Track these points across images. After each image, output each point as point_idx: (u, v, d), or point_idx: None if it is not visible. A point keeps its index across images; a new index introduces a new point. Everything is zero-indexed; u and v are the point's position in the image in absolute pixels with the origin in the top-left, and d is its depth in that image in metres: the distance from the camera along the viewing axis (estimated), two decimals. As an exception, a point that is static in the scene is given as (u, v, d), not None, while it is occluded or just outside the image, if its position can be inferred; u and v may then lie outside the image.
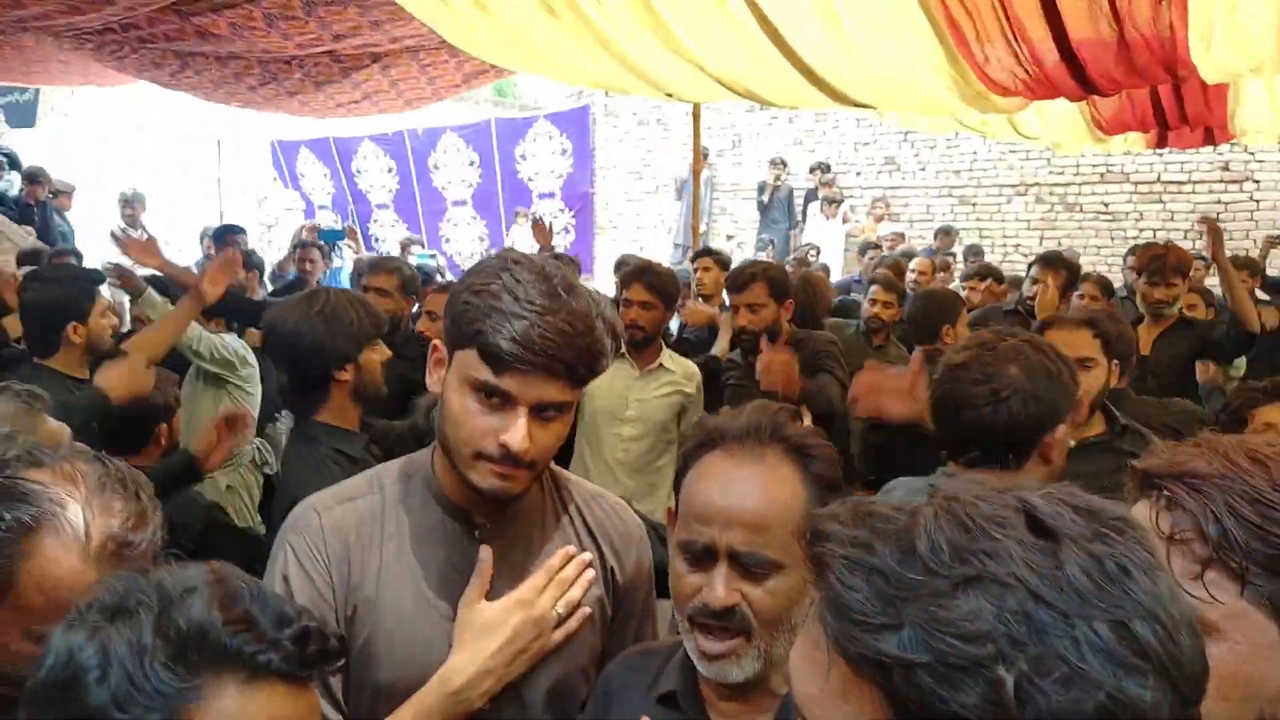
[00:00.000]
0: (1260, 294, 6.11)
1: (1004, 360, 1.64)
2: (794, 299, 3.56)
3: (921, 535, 0.60)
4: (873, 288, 4.67)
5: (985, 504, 0.62)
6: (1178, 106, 4.89)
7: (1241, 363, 4.34)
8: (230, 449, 2.61)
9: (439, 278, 7.06)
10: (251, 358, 4.00)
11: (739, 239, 12.48)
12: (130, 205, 8.47)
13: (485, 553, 1.29)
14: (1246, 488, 0.78)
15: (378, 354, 2.32)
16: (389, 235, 13.35)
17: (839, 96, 3.88)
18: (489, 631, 1.25)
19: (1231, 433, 2.46)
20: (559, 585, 1.30)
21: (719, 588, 1.12)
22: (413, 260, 7.80)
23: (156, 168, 11.79)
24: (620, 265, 5.61)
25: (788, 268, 6.09)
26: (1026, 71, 3.54)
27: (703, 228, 12.01)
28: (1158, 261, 3.90)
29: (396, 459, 1.44)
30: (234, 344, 3.96)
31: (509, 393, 1.20)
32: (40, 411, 1.92)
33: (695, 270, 5.26)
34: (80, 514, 1.08)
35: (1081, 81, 3.61)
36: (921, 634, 0.56)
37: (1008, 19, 3.28)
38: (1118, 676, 0.55)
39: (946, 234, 10.23)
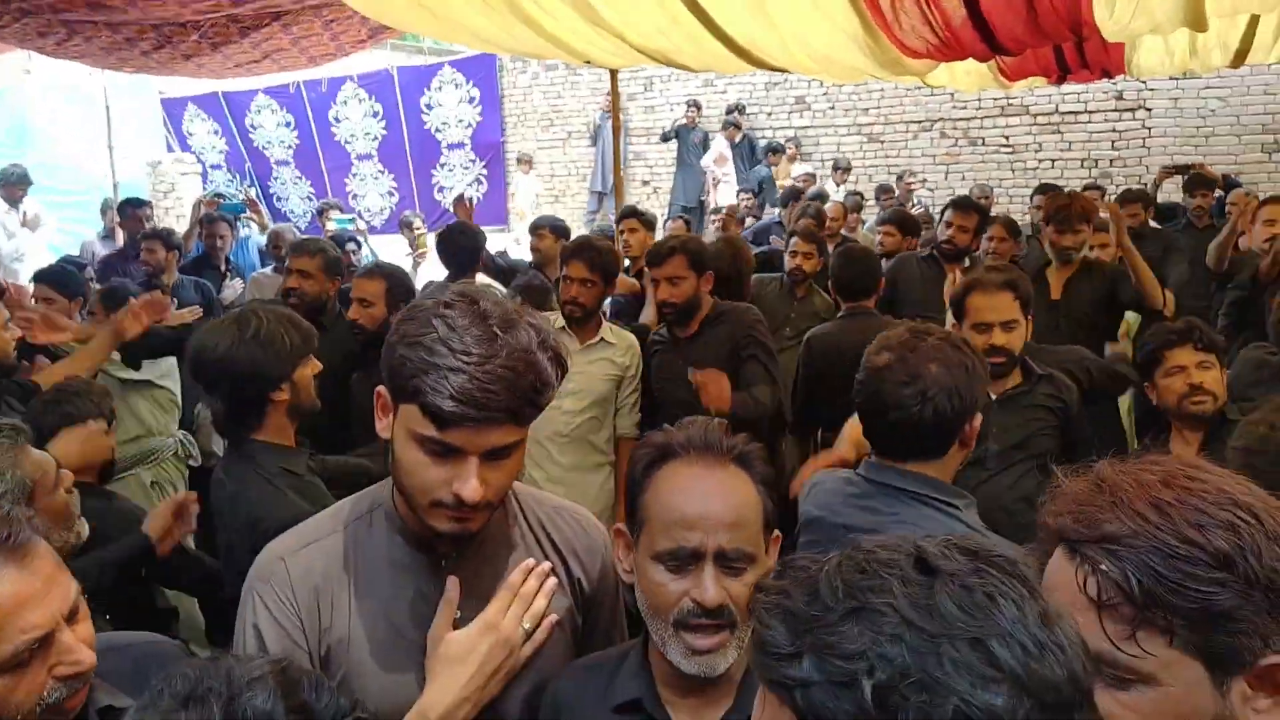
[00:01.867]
0: (1153, 223, 6.41)
1: (926, 360, 1.74)
2: (714, 269, 3.57)
3: (823, 579, 0.71)
4: (793, 240, 4.77)
5: (883, 550, 0.72)
6: (1079, 56, 5.07)
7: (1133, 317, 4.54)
8: (182, 535, 2.53)
9: (360, 241, 6.90)
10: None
11: (654, 184, 12.47)
12: (10, 187, 7.79)
13: (450, 583, 1.31)
14: (1157, 544, 0.85)
15: (310, 369, 2.30)
16: (291, 193, 12.91)
17: (758, 63, 3.92)
18: (460, 659, 1.27)
19: (1148, 373, 2.67)
20: (522, 601, 1.32)
21: (711, 587, 1.21)
22: (331, 226, 7.59)
23: (43, 131, 11.12)
24: (536, 228, 5.60)
25: (713, 222, 6.20)
26: (938, 35, 3.63)
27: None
28: (1063, 211, 4.08)
29: (355, 494, 1.44)
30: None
31: (457, 446, 1.20)
32: (24, 444, 1.91)
33: (621, 231, 5.30)
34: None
35: (990, 43, 3.72)
36: (815, 659, 0.67)
37: (919, -17, 3.35)
38: (973, 685, 0.64)
39: (845, 170, 10.43)
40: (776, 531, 1.33)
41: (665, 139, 11.78)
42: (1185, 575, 0.84)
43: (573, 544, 1.46)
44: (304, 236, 5.36)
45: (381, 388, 1.28)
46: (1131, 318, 4.49)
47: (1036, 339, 3.12)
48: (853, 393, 1.86)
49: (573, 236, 4.69)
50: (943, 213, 5.13)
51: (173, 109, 12.56)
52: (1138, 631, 0.86)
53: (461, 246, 4.37)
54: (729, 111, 11.36)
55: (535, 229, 5.49)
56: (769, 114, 11.77)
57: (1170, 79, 9.62)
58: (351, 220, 8.63)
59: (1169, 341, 2.69)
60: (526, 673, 1.35)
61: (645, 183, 12.43)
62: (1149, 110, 10.21)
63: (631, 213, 5.43)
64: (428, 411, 1.18)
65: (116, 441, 2.87)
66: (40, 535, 1.21)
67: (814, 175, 10.16)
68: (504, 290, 4.13)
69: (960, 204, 4.89)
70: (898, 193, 9.42)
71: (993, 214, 6.20)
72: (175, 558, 2.51)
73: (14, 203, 7.82)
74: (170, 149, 12.38)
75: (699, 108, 11.69)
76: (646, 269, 3.71)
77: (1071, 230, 4.04)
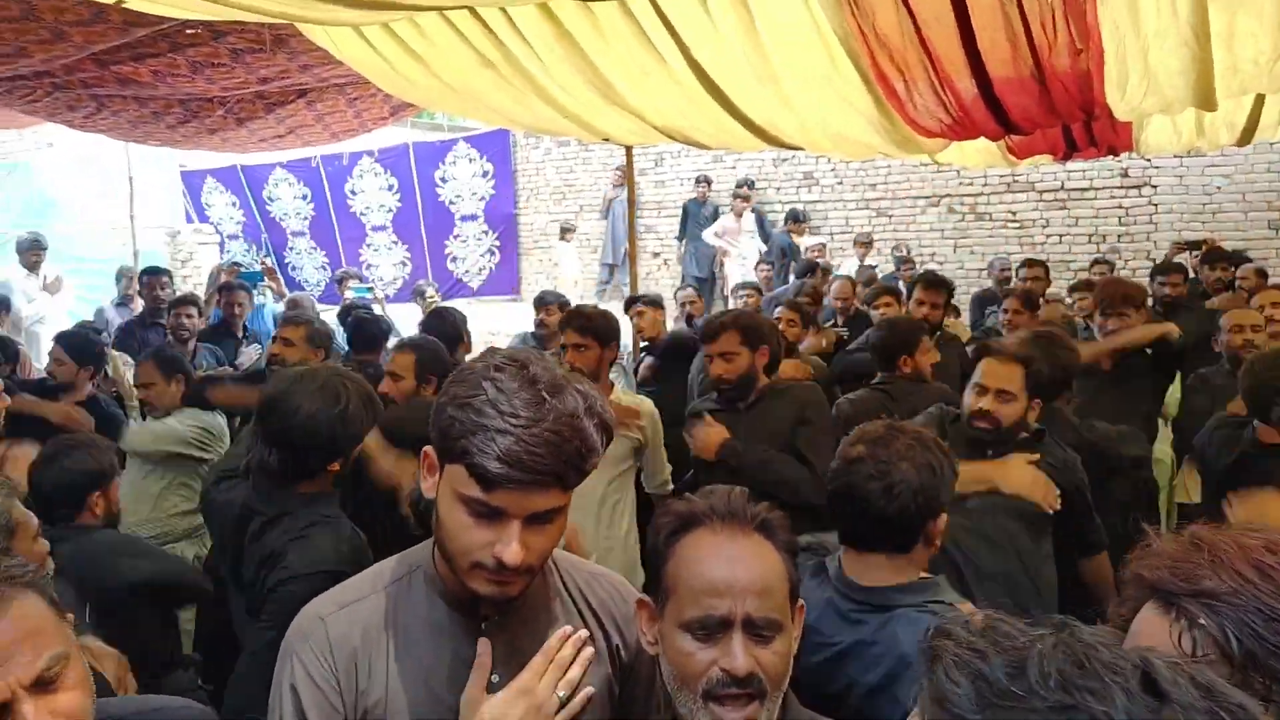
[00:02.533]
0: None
1: (897, 458, 1.79)
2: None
3: (1034, 659, 0.65)
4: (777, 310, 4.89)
5: (1107, 650, 0.66)
6: (1087, 135, 5.15)
7: (1174, 399, 4.56)
8: None
9: (379, 309, 6.95)
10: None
11: (664, 256, 12.60)
12: (31, 252, 7.89)
13: (482, 645, 1.29)
14: (1261, 606, 0.82)
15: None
16: (306, 263, 13.08)
17: (774, 141, 4.00)
18: None
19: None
20: (558, 667, 1.29)
21: (740, 655, 1.20)
22: (350, 294, 7.68)
23: (65, 202, 11.33)
24: (540, 302, 5.65)
25: (740, 296, 6.26)
26: (950, 115, 3.70)
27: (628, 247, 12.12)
28: (1108, 297, 4.17)
29: (394, 555, 1.44)
30: (212, 421, 3.86)
31: (501, 509, 1.21)
32: (12, 497, 1.93)
33: (632, 318, 5.33)
34: None
35: (1002, 122, 3.79)
36: None
37: (932, 63, 3.42)
38: None
39: (867, 245, 10.52)
40: (801, 600, 1.32)
41: (685, 225, 11.91)
42: None
43: (611, 611, 1.45)
44: (293, 311, 5.42)
45: (429, 448, 1.29)
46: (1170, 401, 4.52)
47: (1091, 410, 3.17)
48: (827, 478, 1.91)
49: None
50: (910, 289, 5.16)
51: (192, 181, 12.82)
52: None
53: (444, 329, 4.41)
54: (738, 186, 11.53)
55: (541, 303, 5.55)
56: (778, 188, 11.94)
57: (1175, 156, 9.76)
58: (369, 289, 8.73)
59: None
60: None
61: (655, 254, 12.56)
62: (1154, 187, 10.34)
63: (637, 299, 5.47)
64: (474, 472, 1.19)
65: (170, 512, 3.16)
66: (30, 589, 1.10)
67: (824, 246, 10.28)
68: None
69: (927, 280, 4.91)
70: (898, 270, 9.49)
71: (1010, 286, 6.26)
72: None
73: (33, 268, 7.92)
74: (189, 219, 12.60)
75: (709, 183, 11.87)
76: (701, 344, 3.71)
77: (1117, 314, 4.10)
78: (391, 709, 1.31)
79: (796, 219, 10.94)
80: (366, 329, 4.69)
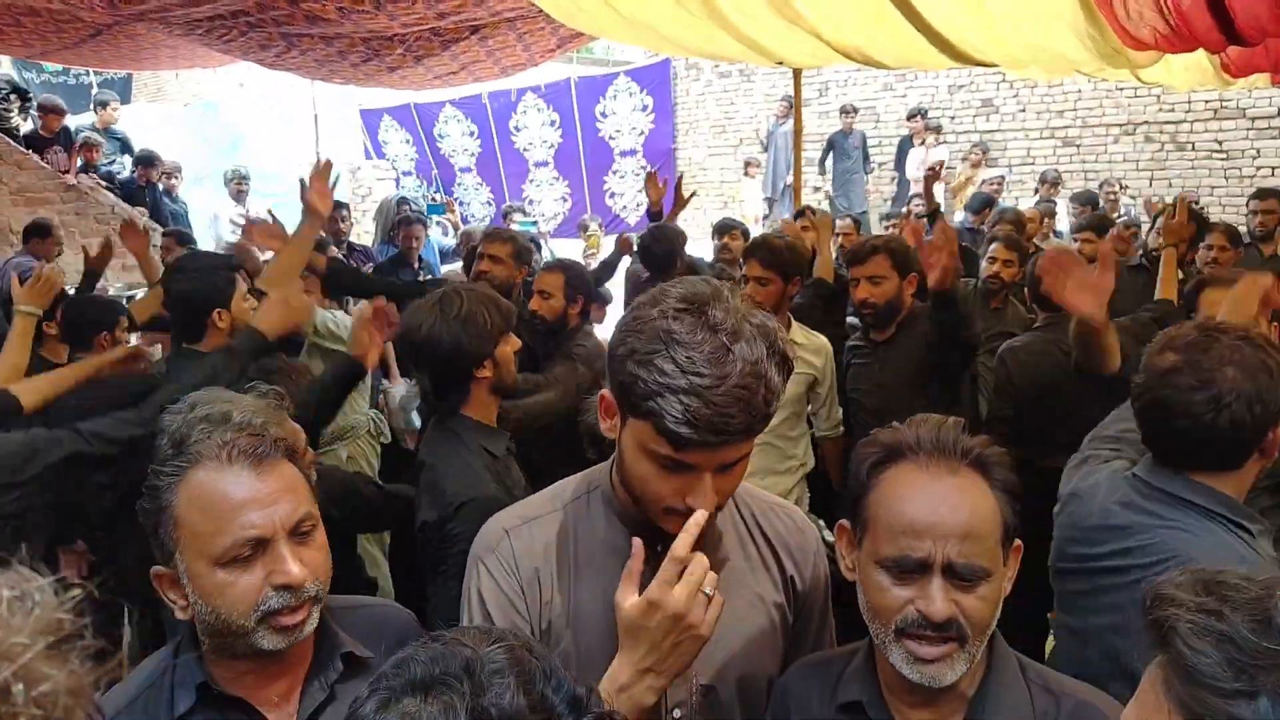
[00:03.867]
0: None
1: (1221, 363, 1.56)
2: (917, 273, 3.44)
3: (1278, 608, 0.61)
4: (993, 245, 4.53)
5: None
6: (1321, 47, 4.58)
7: None
8: (384, 340, 2.70)
9: (541, 243, 7.11)
10: None
11: (826, 189, 12.25)
12: (238, 182, 8.62)
13: (636, 547, 1.23)
14: None
15: (510, 346, 2.37)
16: (473, 199, 13.47)
17: (961, 57, 3.75)
18: (632, 636, 1.21)
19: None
20: (692, 575, 1.19)
21: (939, 601, 1.14)
22: (515, 229, 7.89)
23: (254, 138, 12.06)
24: (724, 229, 5.59)
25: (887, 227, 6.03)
26: (1168, 23, 3.35)
27: (789, 179, 11.83)
28: None
29: (572, 476, 1.45)
30: (344, 320, 4.08)
31: (692, 464, 1.19)
32: (284, 410, 2.07)
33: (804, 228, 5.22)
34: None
35: (1226, 31, 3.41)
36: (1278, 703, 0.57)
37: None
38: None
39: (1054, 184, 9.76)
40: (1018, 541, 1.23)
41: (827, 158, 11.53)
42: None
43: (786, 541, 1.44)
44: (495, 228, 5.61)
45: (606, 392, 1.28)
46: None
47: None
48: (1130, 398, 1.69)
49: (751, 238, 4.70)
50: (1154, 220, 4.74)
51: (370, 119, 13.38)
52: None
53: (660, 251, 4.48)
54: (910, 116, 11.00)
55: (725, 230, 5.50)
56: (953, 117, 11.33)
57: None
58: (534, 223, 8.91)
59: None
60: (739, 660, 1.35)
61: (817, 189, 12.22)
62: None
63: (806, 210, 5.36)
64: (662, 433, 1.17)
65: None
66: (289, 461, 1.28)
67: (1002, 179, 9.69)
68: None
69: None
70: (1102, 201, 8.78)
71: (1213, 221, 5.72)
72: (376, 494, 2.65)
73: (239, 198, 8.56)
74: (368, 156, 13.18)
75: (855, 112, 11.39)
76: (846, 267, 3.62)
77: None
78: (572, 625, 1.33)
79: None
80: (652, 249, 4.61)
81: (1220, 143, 9.98)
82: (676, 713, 1.33)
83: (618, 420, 1.27)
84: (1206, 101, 9.80)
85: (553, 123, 12.84)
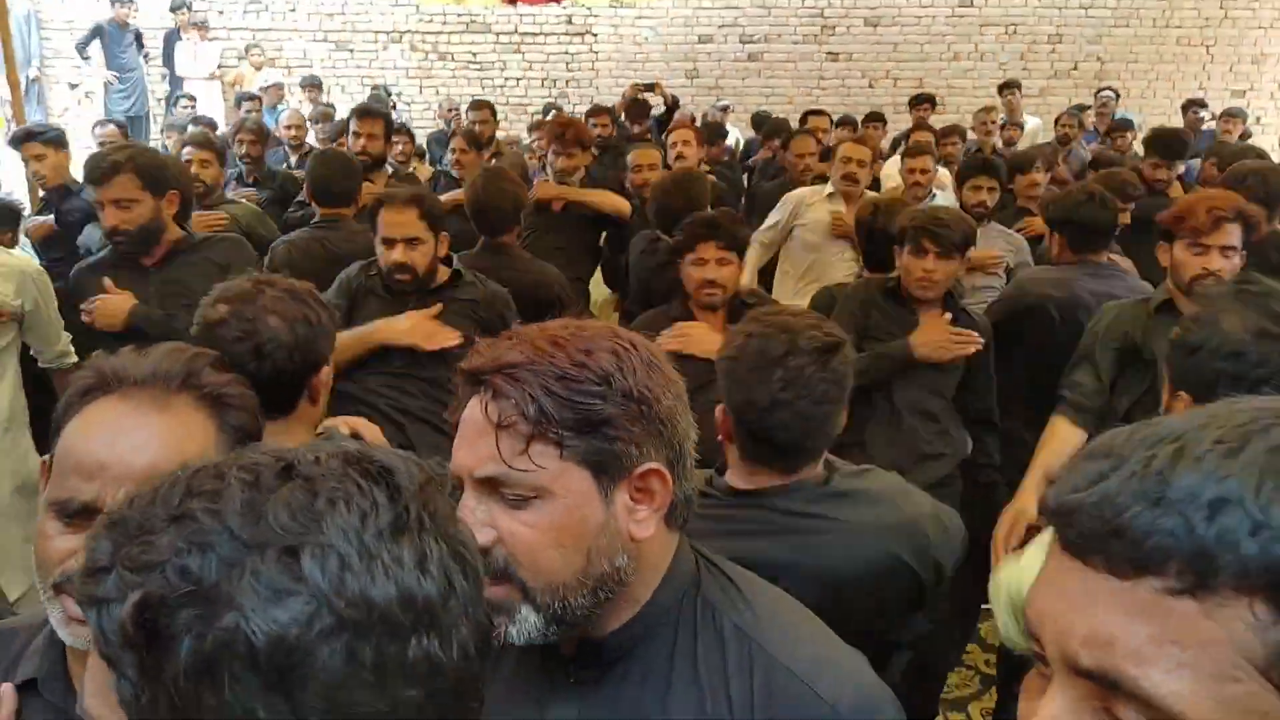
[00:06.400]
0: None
1: (264, 313, 1.68)
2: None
3: (164, 488, 0.61)
4: None
5: (256, 456, 0.62)
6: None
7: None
8: None
9: None
10: None
11: (85, 87, 10.65)
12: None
13: None
14: (553, 368, 0.93)
15: None
16: None
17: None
18: None
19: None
20: None
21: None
22: None
23: None
24: None
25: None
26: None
27: (34, 73, 9.95)
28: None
29: None
30: None
31: None
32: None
33: (28, 160, 4.36)
34: None
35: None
36: (119, 574, 0.58)
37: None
38: (262, 599, 0.55)
39: (316, 87, 9.62)
40: None
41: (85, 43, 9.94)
42: (573, 391, 0.93)
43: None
44: None
45: None
46: None
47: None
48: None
49: None
50: (347, 121, 4.73)
51: None
52: (531, 445, 0.92)
53: None
54: (173, 9, 10.01)
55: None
56: (220, 11, 10.62)
57: (610, 7, 10.59)
58: None
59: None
60: None
61: (74, 85, 10.58)
62: (595, 35, 11.16)
63: (33, 135, 4.45)
64: None
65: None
66: None
67: (281, 85, 9.48)
68: None
69: (361, 111, 4.66)
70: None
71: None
72: None
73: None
74: None
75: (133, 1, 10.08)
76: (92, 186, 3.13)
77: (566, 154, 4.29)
78: None
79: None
80: None
81: (474, 54, 11.11)
82: None
83: None
84: (459, 16, 10.78)
85: None
